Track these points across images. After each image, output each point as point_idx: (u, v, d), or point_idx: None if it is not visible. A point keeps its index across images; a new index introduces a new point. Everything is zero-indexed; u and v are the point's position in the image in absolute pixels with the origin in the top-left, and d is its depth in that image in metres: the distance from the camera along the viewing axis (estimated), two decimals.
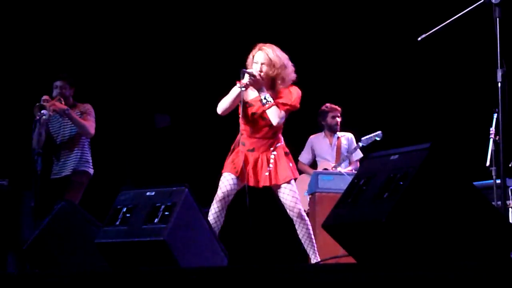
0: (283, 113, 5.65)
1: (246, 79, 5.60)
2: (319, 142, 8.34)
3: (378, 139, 8.08)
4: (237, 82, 5.66)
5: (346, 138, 8.33)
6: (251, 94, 5.75)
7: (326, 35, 9.49)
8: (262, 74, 5.63)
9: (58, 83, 7.28)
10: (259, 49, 5.69)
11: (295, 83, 5.79)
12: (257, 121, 5.72)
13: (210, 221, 5.50)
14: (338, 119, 8.26)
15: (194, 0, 9.77)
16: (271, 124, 5.68)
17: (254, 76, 5.59)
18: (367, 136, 8.12)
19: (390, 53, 9.12)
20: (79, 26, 9.55)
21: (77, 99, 7.38)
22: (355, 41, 9.41)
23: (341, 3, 9.47)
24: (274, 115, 5.63)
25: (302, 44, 9.50)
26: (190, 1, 9.77)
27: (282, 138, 5.83)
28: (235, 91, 5.66)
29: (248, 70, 5.62)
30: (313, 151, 8.33)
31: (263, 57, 5.66)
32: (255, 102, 5.72)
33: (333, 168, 8.10)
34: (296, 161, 8.05)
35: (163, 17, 9.78)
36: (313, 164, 8.37)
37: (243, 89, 5.62)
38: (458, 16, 5.06)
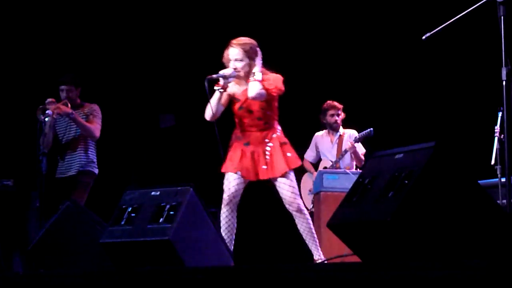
0: (263, 91, 5.65)
1: (222, 81, 5.70)
2: (322, 140, 8.31)
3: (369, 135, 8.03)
4: (215, 85, 5.73)
5: (348, 135, 8.25)
6: (236, 89, 5.79)
7: (335, 33, 9.49)
8: (238, 68, 5.71)
9: (63, 87, 7.26)
10: (231, 46, 5.79)
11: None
12: (245, 114, 5.76)
13: (223, 227, 5.51)
14: (337, 118, 8.17)
15: (199, 1, 9.78)
16: (259, 117, 5.70)
17: (229, 75, 5.70)
18: (360, 134, 8.08)
19: (395, 52, 9.12)
20: (84, 27, 9.56)
21: (83, 99, 7.37)
22: (361, 40, 9.40)
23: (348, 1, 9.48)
24: (253, 88, 5.65)
25: (309, 41, 9.51)
26: (194, 2, 9.78)
27: (278, 128, 5.82)
28: (215, 95, 5.73)
29: (218, 75, 5.70)
30: (317, 148, 8.31)
31: (236, 52, 5.74)
32: (240, 96, 5.77)
33: (333, 165, 8.07)
34: (301, 158, 8.07)
35: (168, 18, 9.79)
36: (319, 162, 8.35)
37: (222, 90, 5.72)
38: (463, 15, 5.06)
